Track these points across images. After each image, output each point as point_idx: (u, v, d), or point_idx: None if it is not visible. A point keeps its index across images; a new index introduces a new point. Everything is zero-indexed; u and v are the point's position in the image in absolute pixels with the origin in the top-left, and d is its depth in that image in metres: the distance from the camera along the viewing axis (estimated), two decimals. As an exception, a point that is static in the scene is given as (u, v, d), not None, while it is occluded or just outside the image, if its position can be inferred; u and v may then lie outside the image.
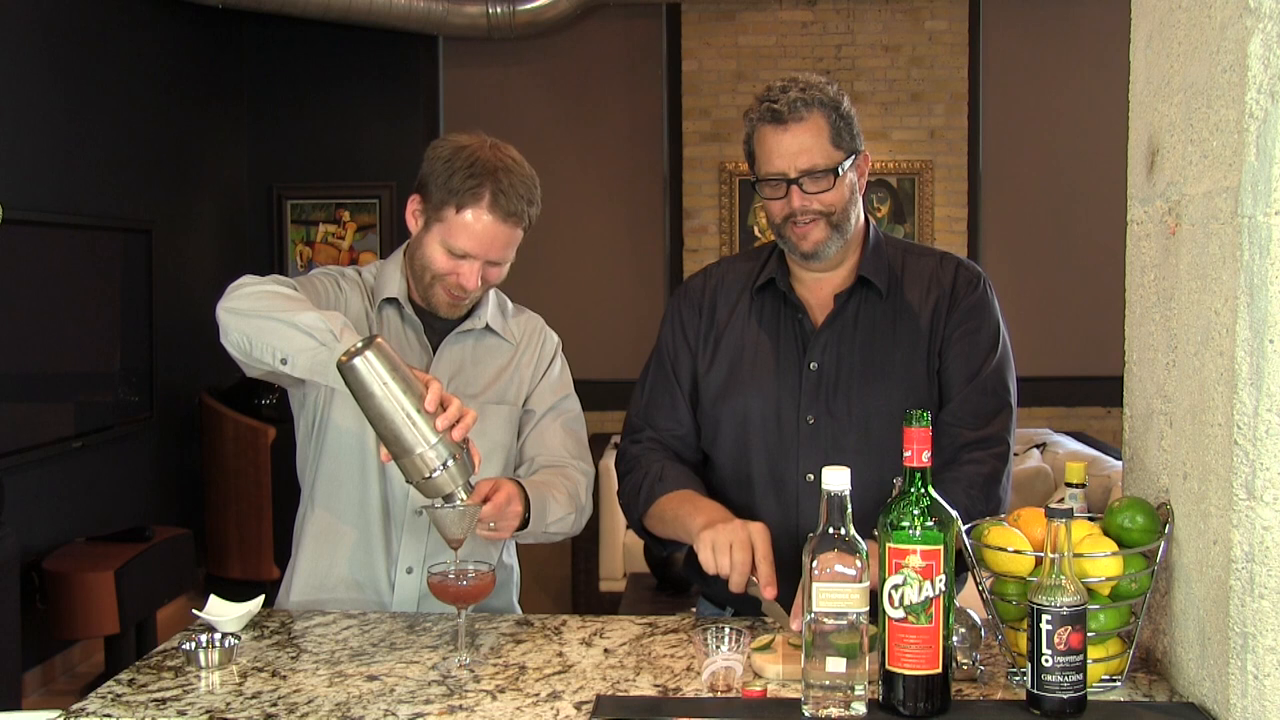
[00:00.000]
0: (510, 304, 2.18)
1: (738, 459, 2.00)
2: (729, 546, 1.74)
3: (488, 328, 2.08)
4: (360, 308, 2.03)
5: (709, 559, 1.75)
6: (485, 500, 1.77)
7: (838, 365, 1.96)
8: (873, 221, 2.07)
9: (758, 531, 1.76)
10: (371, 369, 1.63)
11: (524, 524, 1.86)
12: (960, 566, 1.55)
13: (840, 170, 1.91)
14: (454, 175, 1.91)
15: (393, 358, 1.65)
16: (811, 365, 1.97)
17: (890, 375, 1.95)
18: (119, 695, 1.56)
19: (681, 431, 2.06)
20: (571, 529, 2.01)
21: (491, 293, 2.12)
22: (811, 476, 1.92)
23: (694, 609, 2.18)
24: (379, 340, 1.65)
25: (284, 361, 1.74)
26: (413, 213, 2.00)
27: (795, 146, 1.90)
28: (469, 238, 1.92)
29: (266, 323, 1.75)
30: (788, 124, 1.90)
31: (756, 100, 1.95)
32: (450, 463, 1.66)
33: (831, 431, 1.94)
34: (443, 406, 1.66)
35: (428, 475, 1.66)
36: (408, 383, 1.65)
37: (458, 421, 1.67)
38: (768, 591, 1.72)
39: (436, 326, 2.06)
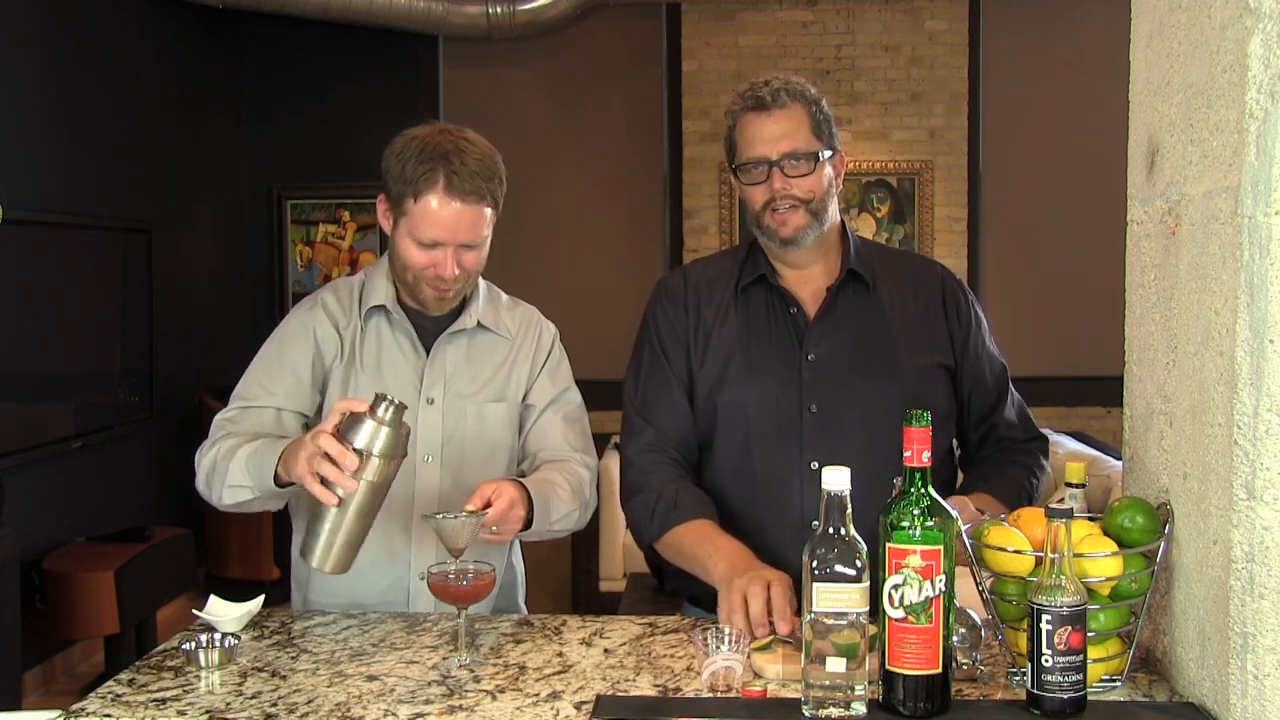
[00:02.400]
0: (504, 297, 2.16)
1: (739, 453, 2.00)
2: (742, 603, 1.69)
3: (480, 325, 2.06)
4: (331, 334, 2.02)
5: (726, 615, 1.71)
6: (487, 505, 1.76)
7: (835, 357, 1.99)
8: (848, 223, 2.12)
9: (777, 581, 1.71)
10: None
11: (526, 525, 1.86)
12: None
13: (820, 157, 1.95)
14: (406, 165, 1.90)
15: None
16: (809, 357, 1.99)
17: (887, 367, 1.99)
18: (119, 695, 1.56)
19: (684, 429, 2.05)
20: (576, 524, 2.00)
21: (482, 287, 2.10)
22: (816, 464, 1.93)
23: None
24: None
25: (254, 490, 1.86)
26: (382, 214, 1.99)
27: (777, 131, 1.95)
28: (432, 225, 1.90)
29: (226, 491, 1.88)
30: (771, 110, 1.95)
31: (739, 95, 2.00)
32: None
33: (836, 420, 1.96)
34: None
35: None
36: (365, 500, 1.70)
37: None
38: (781, 627, 1.66)
39: (429, 328, 2.04)
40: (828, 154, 1.97)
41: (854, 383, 1.97)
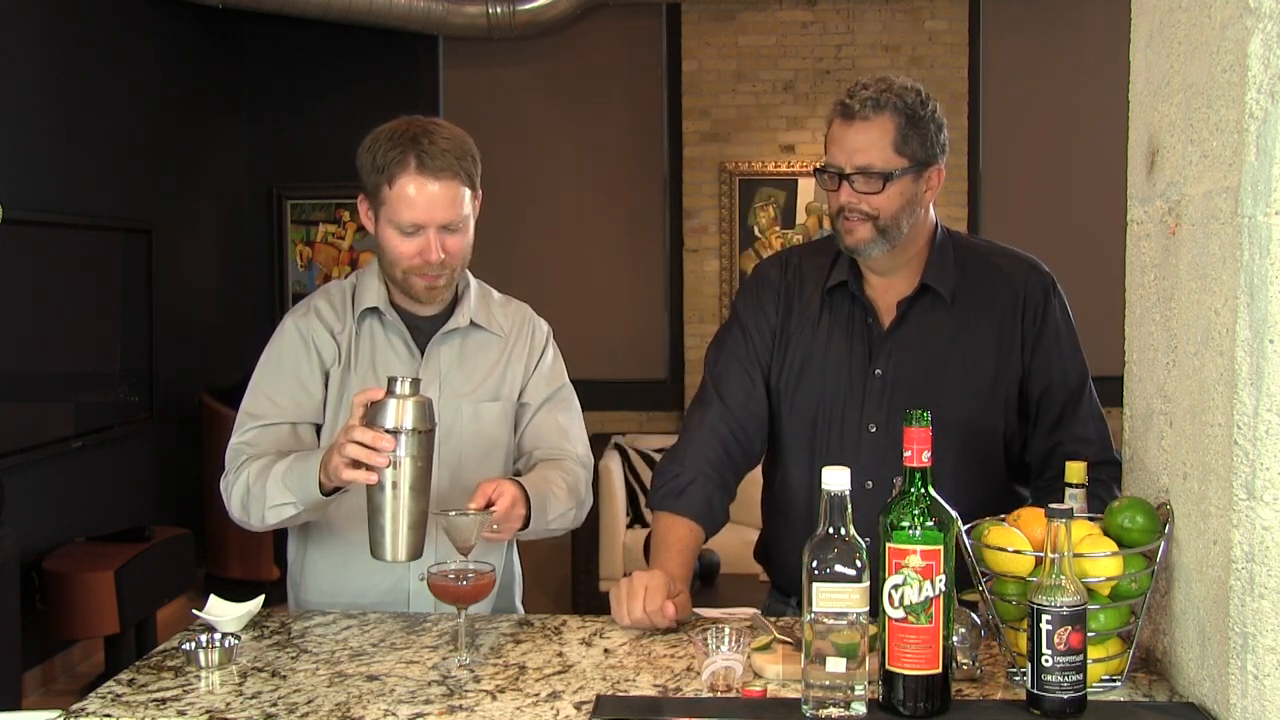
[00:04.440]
0: (496, 294, 2.15)
1: (803, 463, 2.02)
2: (623, 599, 1.82)
3: (473, 323, 2.06)
4: (328, 340, 2.02)
5: (621, 615, 1.82)
6: (490, 504, 1.77)
7: (901, 374, 1.97)
8: (943, 225, 2.05)
9: (639, 577, 1.84)
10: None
11: (524, 524, 1.86)
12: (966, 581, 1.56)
13: (893, 176, 1.90)
14: (377, 155, 1.93)
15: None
16: (876, 371, 1.98)
17: (953, 387, 1.95)
18: (119, 695, 1.56)
19: (751, 408, 2.04)
20: (572, 523, 2.01)
21: (473, 285, 2.10)
22: (871, 484, 1.93)
23: (760, 609, 2.16)
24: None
25: (298, 505, 1.85)
26: (364, 214, 2.00)
27: (854, 143, 1.91)
28: (409, 207, 1.90)
29: (269, 511, 1.87)
30: (854, 120, 1.91)
31: (843, 93, 1.96)
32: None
33: (893, 441, 1.91)
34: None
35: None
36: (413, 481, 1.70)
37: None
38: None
39: (422, 328, 2.04)
40: (908, 172, 1.91)
41: (912, 404, 1.93)
